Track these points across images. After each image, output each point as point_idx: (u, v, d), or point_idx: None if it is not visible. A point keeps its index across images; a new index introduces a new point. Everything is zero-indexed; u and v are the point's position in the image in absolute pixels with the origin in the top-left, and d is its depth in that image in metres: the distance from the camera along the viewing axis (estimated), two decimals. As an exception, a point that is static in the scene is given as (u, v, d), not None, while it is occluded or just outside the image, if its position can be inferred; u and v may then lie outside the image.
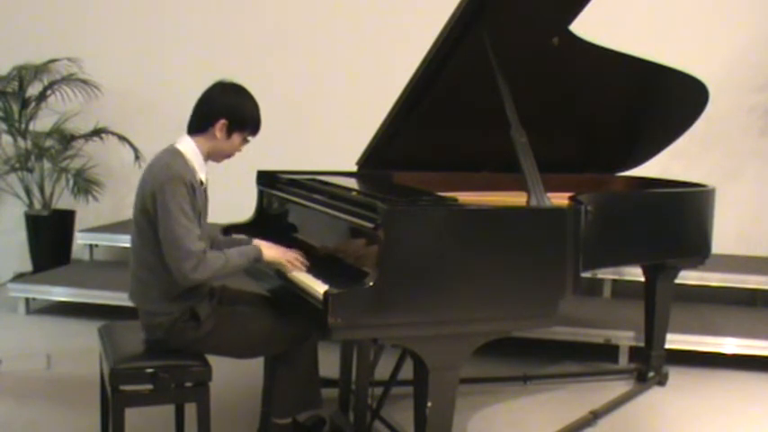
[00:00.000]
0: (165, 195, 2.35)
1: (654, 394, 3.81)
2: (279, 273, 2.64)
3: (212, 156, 2.57)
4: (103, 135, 5.55)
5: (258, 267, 2.73)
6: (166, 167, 2.40)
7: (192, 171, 2.45)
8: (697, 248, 3.61)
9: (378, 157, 3.38)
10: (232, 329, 2.59)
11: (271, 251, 2.56)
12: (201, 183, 2.51)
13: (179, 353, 2.52)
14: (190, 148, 2.50)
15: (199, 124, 2.52)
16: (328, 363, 3.21)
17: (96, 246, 5.50)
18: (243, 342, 2.62)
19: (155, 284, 2.47)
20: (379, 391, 3.00)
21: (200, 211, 2.47)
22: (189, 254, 2.32)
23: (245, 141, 2.59)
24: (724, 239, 4.36)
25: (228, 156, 2.60)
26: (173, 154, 2.47)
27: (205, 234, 2.55)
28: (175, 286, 2.44)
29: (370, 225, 2.32)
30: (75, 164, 5.60)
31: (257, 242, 2.62)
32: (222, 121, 2.49)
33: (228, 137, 2.52)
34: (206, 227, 2.59)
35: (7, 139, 5.55)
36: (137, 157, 5.47)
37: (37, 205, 5.58)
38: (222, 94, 2.52)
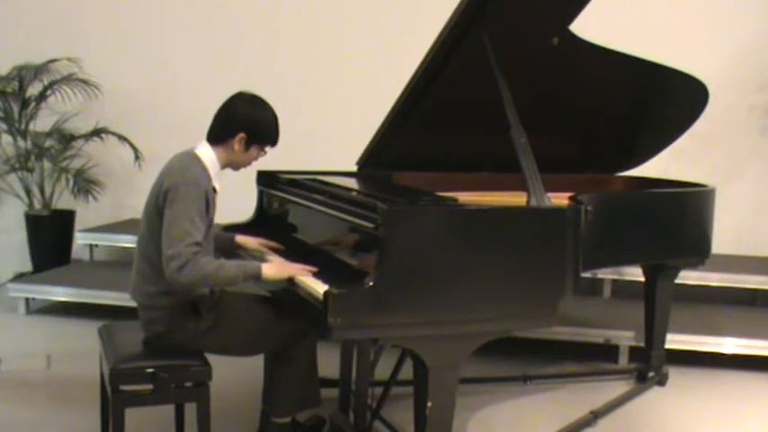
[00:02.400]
0: (178, 195, 2.38)
1: (654, 394, 3.81)
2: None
3: (230, 165, 2.62)
4: (103, 135, 5.55)
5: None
6: (186, 169, 2.44)
7: (207, 177, 2.49)
8: (697, 248, 3.61)
9: (378, 157, 3.38)
10: (231, 325, 2.60)
11: (270, 269, 2.49)
12: (215, 190, 2.54)
13: (179, 352, 2.53)
14: (208, 155, 2.54)
15: (218, 135, 2.56)
16: (328, 363, 3.20)
17: (96, 246, 5.50)
18: (242, 338, 2.63)
19: (156, 280, 2.49)
20: (379, 391, 3.00)
21: (211, 218, 2.51)
22: (178, 254, 2.31)
23: (263, 153, 2.64)
24: (724, 239, 4.36)
25: (246, 166, 2.66)
26: (192, 158, 2.51)
27: (211, 239, 2.58)
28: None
29: (370, 225, 2.32)
30: (76, 164, 5.60)
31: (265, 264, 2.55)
32: (241, 135, 2.54)
33: (246, 150, 2.57)
34: (213, 231, 2.62)
35: (7, 139, 5.55)
36: (137, 157, 5.48)
37: (37, 205, 5.58)
38: (243, 106, 2.56)
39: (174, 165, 2.50)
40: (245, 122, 2.53)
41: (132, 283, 2.60)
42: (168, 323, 2.51)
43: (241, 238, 2.92)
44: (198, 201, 2.40)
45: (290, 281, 2.52)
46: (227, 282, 2.42)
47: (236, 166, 2.63)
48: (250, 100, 2.59)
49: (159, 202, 2.44)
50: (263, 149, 2.62)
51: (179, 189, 2.39)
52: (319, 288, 2.29)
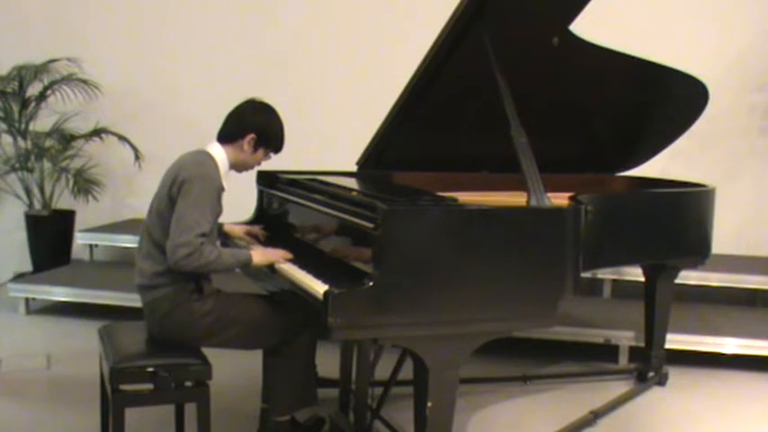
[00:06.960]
0: (193, 186, 2.50)
1: (654, 394, 3.81)
2: (273, 270, 2.68)
3: (236, 166, 2.75)
4: (103, 135, 5.55)
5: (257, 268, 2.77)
6: (201, 165, 2.59)
7: (219, 175, 2.62)
8: (697, 248, 3.61)
9: (378, 157, 3.38)
10: (232, 312, 2.65)
11: (257, 256, 2.66)
12: (222, 188, 2.63)
13: (179, 350, 2.54)
14: (219, 155, 2.68)
15: (230, 135, 2.71)
16: (328, 363, 3.21)
17: (96, 246, 5.50)
18: (242, 327, 2.66)
19: (163, 261, 2.56)
20: (379, 391, 3.00)
21: (219, 212, 2.62)
22: (188, 243, 2.44)
23: (267, 157, 2.78)
24: (724, 239, 4.35)
25: (249, 169, 2.80)
26: (206, 155, 2.65)
27: (214, 235, 2.66)
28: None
29: (369, 225, 2.32)
30: (76, 164, 5.60)
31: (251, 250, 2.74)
32: (252, 136, 2.68)
33: (254, 151, 2.71)
34: (215, 228, 2.69)
35: (7, 139, 5.55)
36: (137, 157, 5.48)
37: (37, 205, 5.58)
38: (254, 111, 2.73)
39: (189, 159, 2.62)
40: (256, 124, 2.69)
41: (138, 269, 2.66)
42: (173, 299, 2.56)
43: (228, 227, 3.06)
44: (211, 194, 2.53)
45: (289, 280, 2.54)
46: (224, 268, 2.58)
47: (240, 167, 2.76)
48: (261, 105, 2.76)
49: (173, 192, 2.54)
50: (267, 153, 2.75)
51: (194, 181, 2.51)
52: (319, 288, 2.29)
